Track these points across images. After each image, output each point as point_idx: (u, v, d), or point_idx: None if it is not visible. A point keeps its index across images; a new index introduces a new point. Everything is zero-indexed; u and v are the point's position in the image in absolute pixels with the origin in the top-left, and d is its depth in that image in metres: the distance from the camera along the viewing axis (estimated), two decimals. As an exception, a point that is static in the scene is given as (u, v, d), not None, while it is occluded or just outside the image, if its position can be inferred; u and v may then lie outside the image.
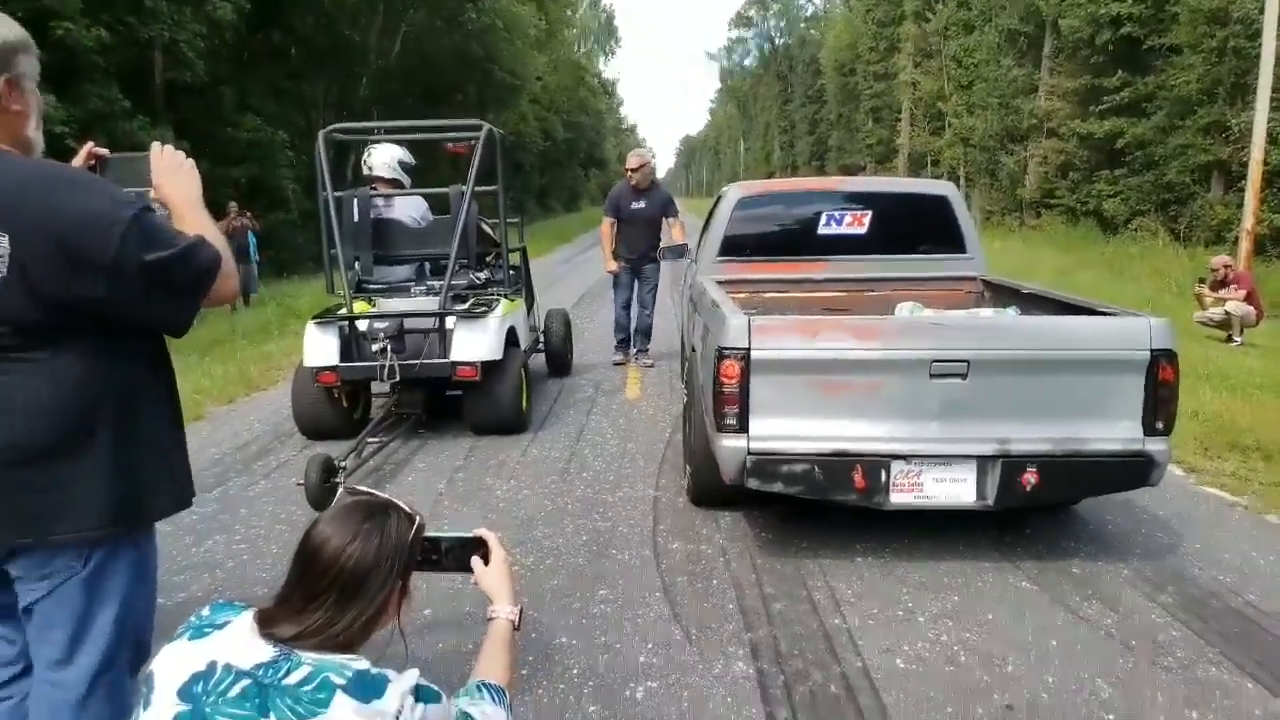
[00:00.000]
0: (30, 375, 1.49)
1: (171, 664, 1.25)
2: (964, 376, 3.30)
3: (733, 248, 5.29)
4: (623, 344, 7.85)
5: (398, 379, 5.15)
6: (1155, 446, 3.35)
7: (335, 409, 5.44)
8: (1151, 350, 3.31)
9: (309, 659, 1.21)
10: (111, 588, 1.62)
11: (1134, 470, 3.39)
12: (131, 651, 1.68)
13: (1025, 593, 3.33)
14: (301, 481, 4.11)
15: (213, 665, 1.22)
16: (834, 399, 3.39)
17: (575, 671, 2.79)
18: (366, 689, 1.19)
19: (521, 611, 1.59)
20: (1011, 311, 4.49)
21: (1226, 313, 9.52)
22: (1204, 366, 7.38)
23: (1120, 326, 3.52)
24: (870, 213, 5.19)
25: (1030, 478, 3.32)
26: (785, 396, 3.38)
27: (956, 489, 3.39)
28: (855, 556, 3.65)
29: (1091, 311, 3.88)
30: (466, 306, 5.51)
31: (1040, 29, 27.88)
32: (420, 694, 1.24)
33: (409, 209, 5.93)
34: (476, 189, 5.56)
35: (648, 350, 7.78)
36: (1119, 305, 4.15)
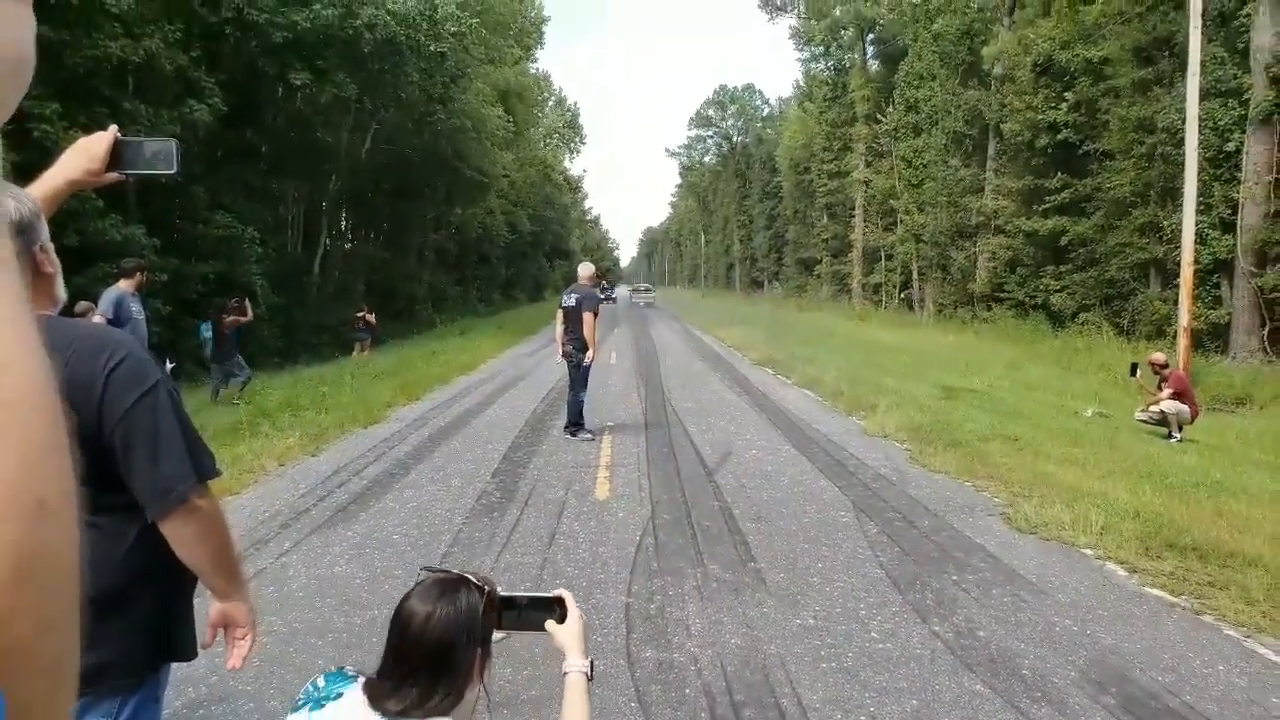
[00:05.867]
0: (94, 533, 1.55)
1: None
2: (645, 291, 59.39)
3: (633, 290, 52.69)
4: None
5: None
6: None
7: None
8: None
9: None
10: None
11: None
12: None
13: (979, 696, 3.52)
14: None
15: None
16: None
17: (554, 786, 2.89)
18: None
19: (593, 664, 1.68)
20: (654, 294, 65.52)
21: (1162, 412, 10.02)
22: (1144, 465, 7.76)
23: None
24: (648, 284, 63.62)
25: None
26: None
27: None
28: (820, 663, 3.83)
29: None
30: None
31: (984, 133, 29.60)
32: None
33: None
34: None
35: (580, 424, 9.18)
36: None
